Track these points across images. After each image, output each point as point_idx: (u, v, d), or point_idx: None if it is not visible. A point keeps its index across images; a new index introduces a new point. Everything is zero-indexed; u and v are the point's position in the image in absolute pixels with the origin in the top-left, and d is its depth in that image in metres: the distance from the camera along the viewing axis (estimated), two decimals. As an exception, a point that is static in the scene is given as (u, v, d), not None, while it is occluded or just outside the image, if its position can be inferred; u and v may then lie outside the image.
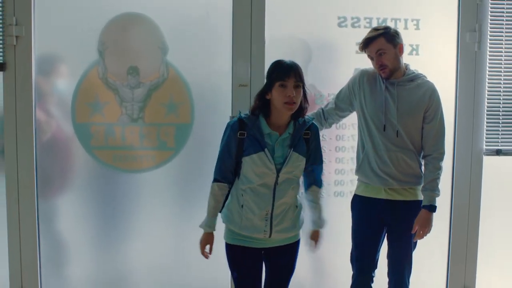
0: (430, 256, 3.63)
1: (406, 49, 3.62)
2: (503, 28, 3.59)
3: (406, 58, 3.56)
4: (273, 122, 2.76)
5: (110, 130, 3.75)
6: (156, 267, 3.95)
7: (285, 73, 2.68)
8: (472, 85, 3.67)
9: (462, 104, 3.66)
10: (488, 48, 3.62)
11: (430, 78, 3.22)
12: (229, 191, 2.91)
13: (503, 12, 3.58)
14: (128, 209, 3.90)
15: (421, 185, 3.24)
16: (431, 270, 3.78)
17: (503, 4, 3.58)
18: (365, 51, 3.25)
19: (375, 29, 3.27)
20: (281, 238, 2.84)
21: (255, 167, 2.73)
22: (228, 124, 2.85)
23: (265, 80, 2.75)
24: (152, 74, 3.79)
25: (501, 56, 3.60)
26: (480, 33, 3.58)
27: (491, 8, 3.60)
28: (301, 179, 2.97)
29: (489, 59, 3.62)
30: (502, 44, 3.60)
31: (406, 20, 3.67)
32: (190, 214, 3.83)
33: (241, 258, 2.86)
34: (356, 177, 3.26)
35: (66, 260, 3.94)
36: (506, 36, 3.59)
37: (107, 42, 3.72)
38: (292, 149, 2.74)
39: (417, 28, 3.67)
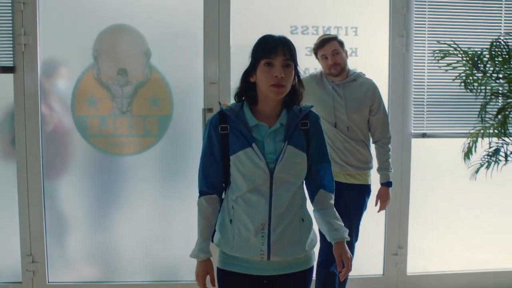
0: (371, 222, 3.90)
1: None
2: (425, 34, 4.03)
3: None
4: (261, 111, 2.17)
5: (103, 122, 4.08)
6: (143, 237, 4.22)
7: (272, 49, 2.08)
8: (401, 80, 4.05)
9: (393, 96, 4.04)
10: (413, 50, 4.04)
11: (367, 75, 3.53)
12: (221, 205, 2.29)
13: (425, 21, 4.03)
14: (119, 186, 4.19)
15: (370, 170, 3.52)
16: (372, 234, 4.10)
17: (425, 14, 4.03)
18: (318, 51, 3.45)
19: (327, 35, 3.57)
20: (285, 261, 2.18)
21: (242, 167, 2.13)
22: (207, 121, 2.25)
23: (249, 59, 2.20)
24: (138, 75, 4.10)
25: (424, 56, 4.02)
26: (407, 38, 4.00)
27: (415, 17, 4.03)
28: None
29: (415, 59, 4.04)
30: (425, 46, 4.02)
31: (346, 28, 4.06)
32: (172, 189, 4.21)
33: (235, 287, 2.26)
34: None
35: (67, 231, 4.22)
36: (428, 39, 4.02)
37: (100, 48, 4.03)
38: (286, 142, 2.13)
39: (356, 34, 4.06)
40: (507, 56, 3.35)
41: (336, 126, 3.40)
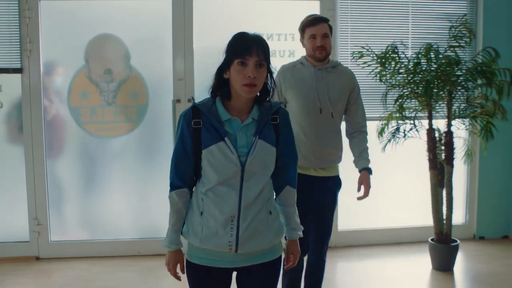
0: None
1: (285, 53, 4.79)
2: (348, 38, 4.87)
3: (286, 60, 4.42)
4: (233, 106, 2.13)
5: (94, 111, 4.72)
6: (129, 202, 4.86)
7: (246, 49, 2.02)
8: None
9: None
10: (339, 51, 4.85)
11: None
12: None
13: (348, 28, 4.88)
14: (107, 162, 4.84)
15: (340, 161, 3.26)
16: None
17: (348, 23, 4.88)
18: (307, 29, 3.11)
19: (318, 15, 3.21)
20: (253, 253, 2.15)
21: (213, 161, 2.07)
22: (180, 115, 2.17)
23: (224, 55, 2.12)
24: (120, 73, 4.72)
25: (348, 55, 4.81)
26: (334, 42, 4.66)
27: (340, 26, 4.85)
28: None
29: (340, 58, 4.78)
30: (348, 48, 4.84)
31: (285, 35, 4.83)
32: (149, 163, 4.83)
33: (203, 282, 2.20)
34: None
35: (66, 199, 4.86)
36: (350, 43, 4.84)
37: (90, 53, 4.66)
38: (257, 137, 2.10)
39: (293, 40, 4.76)
40: (398, 58, 4.35)
41: (321, 112, 3.09)
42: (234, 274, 2.28)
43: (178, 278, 2.27)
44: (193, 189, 2.22)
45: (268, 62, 2.09)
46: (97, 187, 4.94)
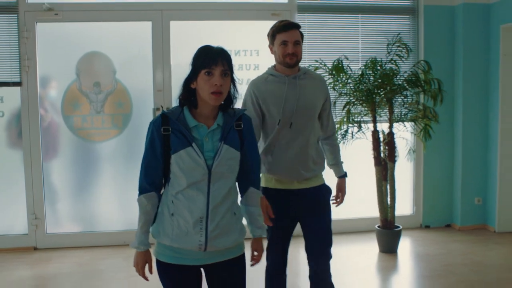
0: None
1: (251, 67, 5.30)
2: (305, 53, 5.45)
3: (251, 73, 5.14)
4: (200, 113, 2.23)
5: (84, 119, 5.21)
6: (116, 198, 5.30)
7: (212, 60, 2.14)
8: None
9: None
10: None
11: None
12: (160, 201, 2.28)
13: (304, 44, 5.62)
14: (96, 163, 5.33)
15: (323, 169, 3.11)
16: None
17: (305, 40, 5.64)
18: (278, 35, 2.88)
19: (289, 20, 2.97)
20: (220, 250, 2.25)
21: (183, 165, 2.16)
22: (150, 123, 2.25)
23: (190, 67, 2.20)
24: (108, 86, 5.19)
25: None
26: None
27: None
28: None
29: None
30: (305, 61, 5.36)
31: (251, 51, 5.37)
32: (132, 162, 5.20)
33: (174, 279, 2.28)
34: None
35: (60, 196, 5.32)
36: (308, 57, 5.36)
37: (81, 68, 5.15)
38: (223, 142, 2.19)
39: (258, 55, 5.34)
40: (343, 70, 5.05)
41: (292, 125, 2.91)
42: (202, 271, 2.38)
43: (146, 279, 2.36)
44: (162, 192, 2.30)
45: (232, 72, 2.20)
46: (88, 185, 5.40)
